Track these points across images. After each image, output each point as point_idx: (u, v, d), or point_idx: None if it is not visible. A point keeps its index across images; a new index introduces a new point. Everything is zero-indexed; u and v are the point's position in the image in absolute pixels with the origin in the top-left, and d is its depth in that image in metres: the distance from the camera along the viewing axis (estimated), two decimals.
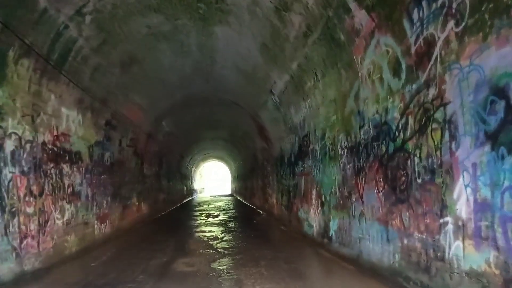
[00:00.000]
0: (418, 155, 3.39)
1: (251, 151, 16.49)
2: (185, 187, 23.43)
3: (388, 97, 3.94)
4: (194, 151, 22.91)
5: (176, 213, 14.70)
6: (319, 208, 6.47)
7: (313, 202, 6.84)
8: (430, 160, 3.20)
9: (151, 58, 7.85)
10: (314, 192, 6.79)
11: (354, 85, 4.83)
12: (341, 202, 5.39)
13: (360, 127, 4.70)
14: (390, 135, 3.92)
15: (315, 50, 5.56)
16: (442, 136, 3.03)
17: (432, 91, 3.15)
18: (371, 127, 4.39)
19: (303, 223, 7.59)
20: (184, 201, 22.29)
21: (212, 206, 18.13)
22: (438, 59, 3.05)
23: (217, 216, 12.86)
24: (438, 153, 3.08)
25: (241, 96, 11.16)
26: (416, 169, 3.42)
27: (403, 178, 3.64)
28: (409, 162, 3.55)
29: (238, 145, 19.31)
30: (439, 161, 3.07)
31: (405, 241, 3.62)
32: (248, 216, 12.57)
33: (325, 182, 6.17)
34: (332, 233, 5.79)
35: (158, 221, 12.01)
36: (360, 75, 4.60)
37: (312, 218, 6.94)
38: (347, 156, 5.19)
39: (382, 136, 4.10)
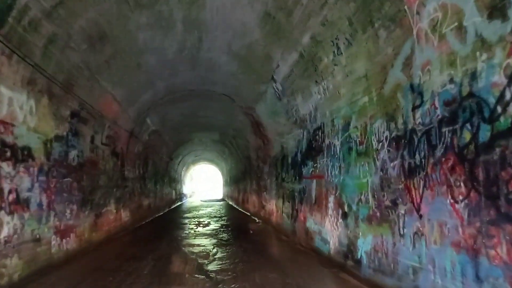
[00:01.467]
0: None
1: (244, 151, 14.96)
2: (174, 191, 21.73)
3: (478, 54, 2.48)
4: (183, 152, 21.28)
5: (162, 221, 13.04)
6: (340, 220, 4.96)
7: (330, 211, 5.34)
8: None
9: (124, 34, 6.25)
10: (331, 199, 5.29)
11: (402, 48, 3.36)
12: (378, 214, 3.90)
13: (415, 107, 3.23)
14: (482, 113, 2.44)
15: (338, 9, 4.09)
16: None
17: None
18: (438, 105, 2.91)
19: (314, 237, 6.08)
20: (173, 206, 20.59)
21: (203, 212, 16.50)
22: None
23: (208, 224, 11.26)
24: None
25: (233, 87, 9.65)
26: None
27: None
28: None
29: (229, 146, 17.77)
30: None
31: None
32: (243, 225, 11.01)
33: (350, 186, 4.67)
34: (361, 255, 4.28)
35: (141, 230, 10.36)
36: (415, 31, 3.13)
37: (328, 231, 5.43)
38: (388, 150, 3.71)
39: (463, 117, 2.62)
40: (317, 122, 5.92)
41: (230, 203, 23.38)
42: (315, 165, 6.07)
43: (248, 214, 14.46)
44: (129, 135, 10.37)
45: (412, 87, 3.26)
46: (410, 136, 3.31)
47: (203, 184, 40.82)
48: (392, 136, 3.63)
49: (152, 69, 8.04)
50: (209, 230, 9.96)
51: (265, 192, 10.76)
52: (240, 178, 17.91)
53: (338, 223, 5.03)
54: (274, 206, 9.40)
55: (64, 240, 6.01)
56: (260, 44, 6.50)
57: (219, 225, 11.15)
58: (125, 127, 9.63)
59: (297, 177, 7.14)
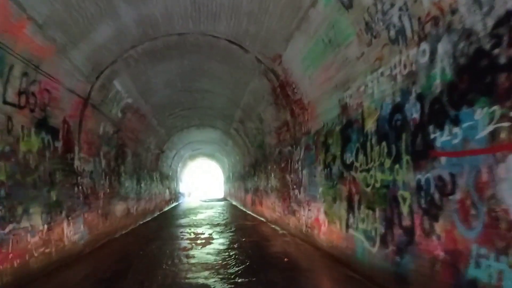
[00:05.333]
0: None
1: (255, 137, 10.89)
2: (167, 190, 17.61)
3: None
4: (178, 145, 17.15)
5: (143, 232, 8.91)
6: None
7: None
8: None
9: None
10: None
11: None
12: None
13: None
14: None
15: None
16: None
17: None
18: None
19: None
20: (166, 209, 16.47)
21: (202, 216, 12.38)
22: None
23: (209, 241, 7.18)
24: None
25: (249, 22, 5.66)
26: None
27: None
28: None
29: (234, 135, 13.70)
30: None
31: None
32: (262, 241, 6.94)
33: None
34: None
35: (99, 255, 6.27)
36: None
37: None
38: None
39: None
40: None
41: (234, 203, 19.28)
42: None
43: (263, 220, 10.37)
44: (84, 103, 6.28)
45: None
46: None
47: (202, 182, 36.68)
48: None
49: None
50: (212, 252, 5.89)
51: (297, 191, 6.67)
52: (248, 173, 13.82)
53: None
54: (322, 215, 5.31)
55: None
56: None
57: (226, 240, 7.07)
58: (70, 85, 5.55)
59: (409, 158, 3.07)
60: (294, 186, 6.81)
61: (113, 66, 6.56)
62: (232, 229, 8.67)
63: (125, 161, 9.43)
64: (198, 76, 8.74)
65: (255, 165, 11.80)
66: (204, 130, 15.36)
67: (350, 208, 4.30)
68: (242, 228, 8.80)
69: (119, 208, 8.60)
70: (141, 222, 10.86)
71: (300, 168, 6.42)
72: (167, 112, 11.46)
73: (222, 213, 13.59)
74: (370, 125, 3.80)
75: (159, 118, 11.44)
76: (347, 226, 4.40)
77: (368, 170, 3.84)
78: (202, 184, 36.71)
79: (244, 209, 14.76)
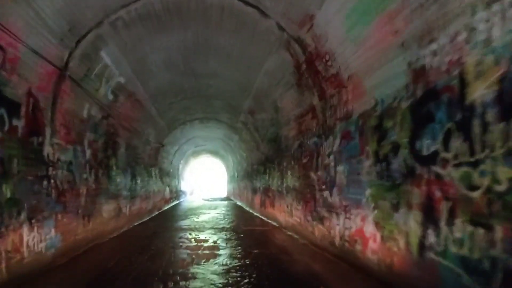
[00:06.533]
0: None
1: (267, 130, 9.45)
2: (168, 187, 16.19)
3: None
4: (181, 140, 15.73)
5: (136, 237, 7.48)
6: None
7: None
8: None
9: None
10: None
11: None
12: None
13: None
14: None
15: None
16: None
17: None
18: None
19: None
20: (166, 208, 15.06)
21: (205, 218, 10.94)
22: None
23: (214, 251, 5.74)
24: None
25: None
26: None
27: None
28: None
29: (241, 129, 12.27)
30: None
31: None
32: (280, 253, 5.50)
33: None
34: None
35: (73, 269, 4.83)
36: None
37: None
38: None
39: None
40: None
41: (239, 203, 17.84)
42: None
43: (275, 224, 8.92)
44: (59, 74, 4.86)
45: None
46: None
47: (205, 181, 35.32)
48: None
49: None
50: (218, 270, 4.44)
51: (326, 193, 5.20)
52: (256, 172, 12.38)
53: None
54: (370, 226, 3.85)
55: None
56: None
57: (235, 251, 5.63)
58: (37, 46, 4.11)
59: None
60: (323, 187, 5.35)
61: (98, 30, 5.14)
62: (241, 235, 7.23)
63: (117, 153, 8.01)
64: (203, 55, 7.32)
65: (266, 162, 10.35)
66: (208, 124, 13.94)
67: (430, 222, 2.85)
68: (253, 235, 7.35)
69: (107, 207, 7.19)
70: (136, 223, 9.45)
71: (332, 164, 4.96)
72: (167, 101, 10.04)
73: (227, 214, 12.14)
74: (481, 92, 2.35)
75: (158, 108, 10.02)
76: (422, 248, 2.94)
77: (474, 164, 2.39)
78: (204, 182, 35.32)
79: (251, 211, 13.31)
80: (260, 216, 10.99)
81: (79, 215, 5.71)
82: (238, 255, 5.32)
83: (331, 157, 5.00)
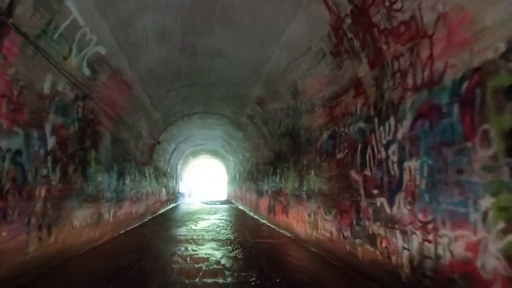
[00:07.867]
0: None
1: (281, 119, 7.82)
2: (164, 189, 14.53)
3: None
4: (179, 138, 14.10)
5: (112, 253, 5.82)
6: None
7: None
8: None
9: None
10: None
11: None
12: None
13: None
14: None
15: None
16: None
17: None
18: None
19: None
20: (162, 211, 13.38)
21: (204, 225, 9.28)
22: None
23: (217, 279, 4.09)
24: None
25: None
26: None
27: None
28: None
29: (246, 125, 10.67)
30: None
31: None
32: (315, 285, 3.86)
33: None
34: None
35: None
36: None
37: None
38: None
39: None
40: None
41: (241, 207, 16.18)
42: None
43: (291, 236, 7.27)
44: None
45: None
46: None
47: (204, 182, 33.65)
48: None
49: None
50: None
51: (382, 200, 3.58)
52: (263, 172, 10.75)
53: None
54: (497, 261, 2.22)
55: None
56: None
57: (246, 278, 3.99)
58: None
59: None
60: (374, 191, 3.73)
61: None
62: (250, 252, 5.59)
63: (98, 146, 6.37)
64: (207, 24, 5.71)
65: (277, 160, 8.73)
66: (208, 120, 12.33)
67: None
68: (266, 251, 5.71)
69: (81, 213, 5.54)
70: (122, 231, 7.79)
71: (395, 158, 3.34)
72: (163, 88, 8.43)
73: (230, 221, 10.48)
74: None
75: (152, 95, 8.42)
76: None
77: None
78: (203, 184, 33.64)
79: (256, 217, 11.65)
80: (268, 224, 9.33)
81: (32, 226, 4.07)
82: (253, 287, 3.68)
83: (392, 147, 3.39)
